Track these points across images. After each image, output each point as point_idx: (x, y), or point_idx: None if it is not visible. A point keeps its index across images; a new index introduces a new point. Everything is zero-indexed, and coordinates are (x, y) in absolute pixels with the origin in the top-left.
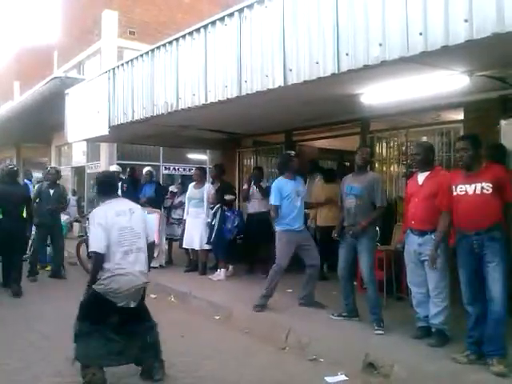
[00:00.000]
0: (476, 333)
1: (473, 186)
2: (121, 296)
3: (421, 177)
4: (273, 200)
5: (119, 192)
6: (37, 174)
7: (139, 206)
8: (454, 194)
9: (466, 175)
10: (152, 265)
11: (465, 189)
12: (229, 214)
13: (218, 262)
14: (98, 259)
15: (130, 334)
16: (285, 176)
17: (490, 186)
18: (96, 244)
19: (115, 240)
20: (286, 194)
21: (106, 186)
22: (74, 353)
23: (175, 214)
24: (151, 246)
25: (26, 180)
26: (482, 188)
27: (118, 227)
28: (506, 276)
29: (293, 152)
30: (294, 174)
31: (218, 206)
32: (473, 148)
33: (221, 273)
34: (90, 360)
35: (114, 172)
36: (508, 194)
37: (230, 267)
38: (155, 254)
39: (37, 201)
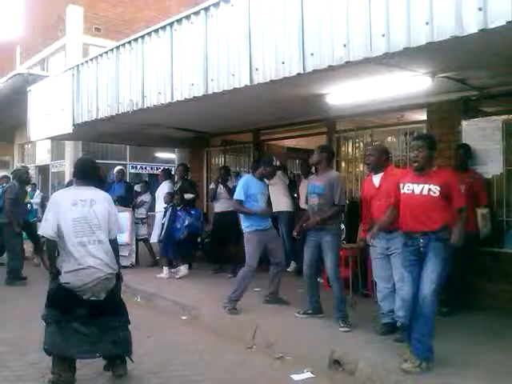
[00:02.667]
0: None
1: (420, 186)
2: (87, 289)
3: (376, 179)
4: (237, 195)
5: None
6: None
7: (109, 198)
8: (402, 191)
9: (416, 175)
10: (123, 264)
11: (412, 188)
12: (179, 214)
13: (173, 260)
14: (48, 244)
15: (102, 328)
16: (255, 175)
17: (438, 189)
18: (44, 228)
19: (68, 230)
20: (252, 192)
21: (78, 171)
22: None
23: (137, 214)
24: (114, 242)
25: None
26: (429, 190)
27: (72, 217)
28: (441, 277)
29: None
30: (261, 177)
31: (170, 204)
32: (427, 148)
33: (181, 269)
34: (57, 349)
35: (93, 159)
36: (456, 201)
37: (183, 267)
38: (126, 253)
39: None
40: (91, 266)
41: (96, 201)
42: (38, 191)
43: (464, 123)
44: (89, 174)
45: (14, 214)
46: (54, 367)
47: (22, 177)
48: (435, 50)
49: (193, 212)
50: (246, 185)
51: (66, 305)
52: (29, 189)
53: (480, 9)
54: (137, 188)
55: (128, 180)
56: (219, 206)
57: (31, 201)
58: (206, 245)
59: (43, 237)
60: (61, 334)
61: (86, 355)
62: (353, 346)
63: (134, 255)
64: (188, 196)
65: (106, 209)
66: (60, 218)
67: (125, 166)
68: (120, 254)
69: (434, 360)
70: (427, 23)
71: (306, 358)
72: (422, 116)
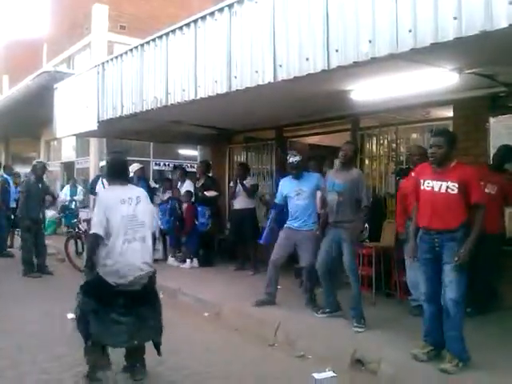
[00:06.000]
0: (433, 331)
1: (439, 183)
2: (124, 284)
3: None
4: (276, 198)
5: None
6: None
7: (146, 195)
8: (421, 188)
9: (434, 171)
10: (155, 257)
11: (432, 185)
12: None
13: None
14: (95, 240)
15: (138, 316)
16: (292, 175)
17: (456, 186)
18: (95, 226)
19: (117, 227)
20: (285, 193)
21: (115, 170)
22: (82, 334)
23: None
24: (153, 236)
25: (5, 174)
26: (448, 187)
27: (121, 215)
28: (463, 278)
29: (294, 153)
30: (298, 173)
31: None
32: (447, 145)
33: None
34: (100, 339)
35: (124, 158)
36: (473, 196)
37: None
38: (158, 247)
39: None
40: (133, 264)
41: (140, 198)
42: (79, 187)
43: (492, 120)
44: (123, 173)
45: (22, 208)
46: (87, 354)
47: (38, 172)
48: (463, 45)
49: (199, 209)
50: (280, 187)
51: (102, 295)
52: (67, 186)
53: (511, 2)
54: (152, 185)
55: (152, 176)
56: (237, 204)
57: (75, 198)
58: (222, 242)
59: (69, 231)
60: (101, 325)
61: (124, 344)
62: (375, 345)
63: (160, 250)
64: (211, 193)
65: (147, 206)
66: (109, 215)
67: (148, 162)
68: None
69: (468, 359)
70: (455, 18)
71: (328, 357)
72: (449, 113)
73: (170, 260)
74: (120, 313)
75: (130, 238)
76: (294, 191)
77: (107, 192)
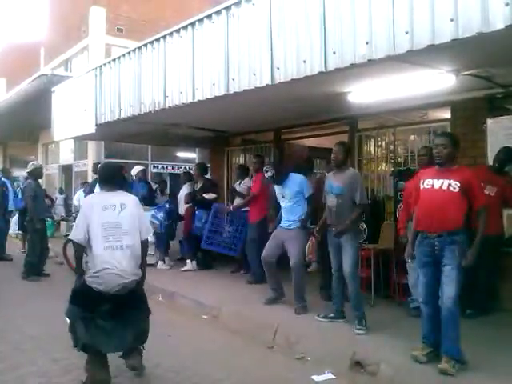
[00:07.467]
0: (432, 332)
1: (440, 181)
2: (110, 291)
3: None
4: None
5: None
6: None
7: (137, 201)
8: (422, 187)
9: (436, 171)
10: (149, 262)
11: (432, 183)
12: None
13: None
14: (77, 248)
15: (126, 322)
16: None
17: (458, 185)
18: (74, 232)
19: (98, 234)
20: (276, 194)
21: (104, 177)
22: (72, 341)
23: None
24: (144, 244)
25: (3, 178)
26: (449, 185)
27: (102, 222)
28: (460, 279)
29: (268, 168)
30: (279, 181)
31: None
32: (451, 145)
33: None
34: (90, 346)
35: (116, 165)
36: (476, 200)
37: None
38: (152, 252)
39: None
40: (116, 272)
41: (126, 205)
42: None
43: (489, 121)
44: (114, 179)
45: (34, 211)
46: (88, 366)
47: (40, 174)
48: (460, 47)
49: (197, 212)
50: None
51: (89, 301)
52: (80, 190)
53: (507, 4)
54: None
55: (150, 179)
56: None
57: None
58: None
59: (67, 234)
60: (88, 331)
61: (114, 349)
62: (374, 347)
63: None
64: (210, 196)
65: (136, 213)
66: (90, 222)
67: (146, 165)
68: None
69: (464, 362)
70: (452, 20)
71: (327, 359)
72: (446, 114)
73: (159, 264)
74: (106, 318)
75: (112, 245)
76: (279, 194)
77: (91, 198)
